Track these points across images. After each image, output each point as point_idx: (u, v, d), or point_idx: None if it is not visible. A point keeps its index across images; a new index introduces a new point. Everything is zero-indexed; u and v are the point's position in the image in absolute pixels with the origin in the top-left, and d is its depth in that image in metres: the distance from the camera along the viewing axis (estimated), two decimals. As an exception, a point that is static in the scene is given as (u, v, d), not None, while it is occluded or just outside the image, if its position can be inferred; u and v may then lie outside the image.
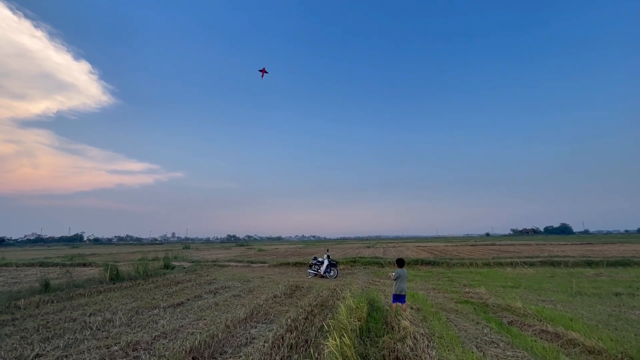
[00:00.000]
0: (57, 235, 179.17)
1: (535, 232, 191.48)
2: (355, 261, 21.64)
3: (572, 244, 46.17)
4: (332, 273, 16.11)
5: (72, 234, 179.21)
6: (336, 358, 4.45)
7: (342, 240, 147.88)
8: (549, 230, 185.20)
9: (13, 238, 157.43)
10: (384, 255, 28.04)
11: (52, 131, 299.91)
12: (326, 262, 16.35)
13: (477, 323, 7.16)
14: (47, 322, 7.87)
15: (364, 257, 23.31)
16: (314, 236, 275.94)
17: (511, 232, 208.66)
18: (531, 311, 7.52)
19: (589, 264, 17.84)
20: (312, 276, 16.34)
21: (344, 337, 4.92)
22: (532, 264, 18.20)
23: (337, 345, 4.70)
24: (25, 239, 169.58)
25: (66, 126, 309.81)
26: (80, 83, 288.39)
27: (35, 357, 5.52)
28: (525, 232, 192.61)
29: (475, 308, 8.57)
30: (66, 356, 5.53)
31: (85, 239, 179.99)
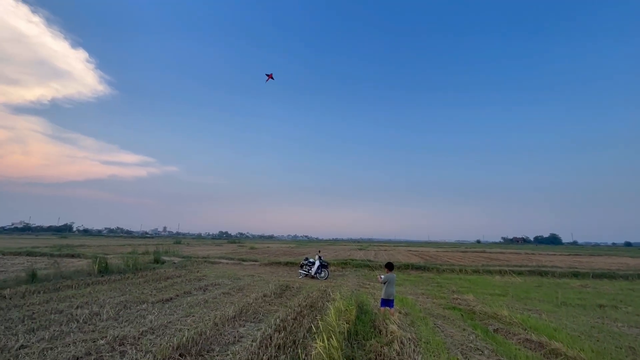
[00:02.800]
0: (46, 224, 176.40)
1: (525, 241, 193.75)
2: (346, 263, 21.73)
3: (560, 255, 46.80)
4: (322, 274, 16.15)
5: (61, 223, 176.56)
6: (322, 359, 4.49)
7: (335, 242, 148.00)
8: (539, 240, 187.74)
9: (0, 226, 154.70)
10: (375, 259, 28.20)
11: (45, 119, 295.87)
12: (317, 263, 16.38)
13: (464, 330, 7.26)
14: (33, 313, 7.78)
15: (355, 260, 23.40)
16: (306, 236, 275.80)
17: (502, 240, 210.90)
18: (517, 320, 7.64)
19: (576, 275, 18.15)
20: (302, 276, 16.36)
21: (332, 339, 4.96)
22: (520, 273, 18.45)
23: (324, 347, 4.74)
24: (13, 227, 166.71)
25: (60, 114, 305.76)
26: (77, 71, 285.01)
27: (19, 348, 5.47)
28: (515, 241, 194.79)
29: (462, 315, 8.68)
30: (51, 348, 5.48)
31: (74, 229, 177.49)
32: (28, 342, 5.78)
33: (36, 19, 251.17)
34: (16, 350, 5.40)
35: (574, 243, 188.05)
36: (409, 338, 6.10)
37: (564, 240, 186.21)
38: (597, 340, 6.55)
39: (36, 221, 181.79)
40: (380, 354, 5.27)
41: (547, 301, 10.92)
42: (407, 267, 20.88)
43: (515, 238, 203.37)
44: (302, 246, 62.42)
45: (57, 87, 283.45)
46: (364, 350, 5.55)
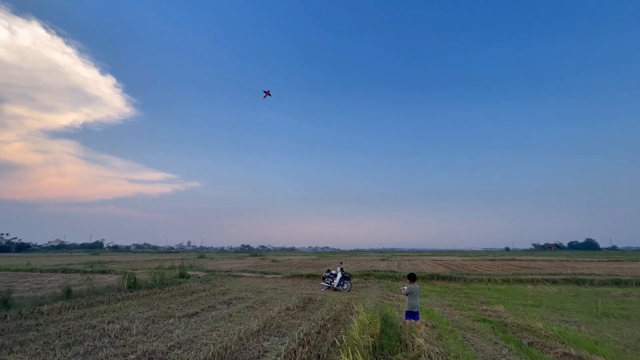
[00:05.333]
0: (79, 242, 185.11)
1: (558, 247, 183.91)
2: (369, 274, 21.37)
3: (598, 261, 43.97)
4: (345, 286, 15.95)
5: (92, 241, 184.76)
6: (348, 375, 4.41)
7: (356, 252, 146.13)
8: (573, 246, 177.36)
9: (38, 244, 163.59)
10: (398, 269, 27.57)
11: (78, 142, 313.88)
12: (339, 275, 16.23)
13: (495, 343, 6.92)
14: (68, 328, 8.13)
15: (378, 271, 22.96)
16: (327, 247, 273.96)
17: (532, 247, 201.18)
18: (553, 332, 7.22)
19: (617, 282, 16.96)
20: (325, 289, 16.22)
21: (357, 353, 4.88)
22: (554, 282, 17.47)
23: (349, 362, 4.66)
24: (49, 245, 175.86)
25: (91, 137, 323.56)
26: (106, 96, 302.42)
27: (56, 363, 5.71)
28: (547, 248, 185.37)
29: (493, 327, 8.29)
30: (86, 363, 5.69)
31: (105, 246, 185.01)
32: (64, 356, 6.04)
33: (69, 49, 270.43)
34: (54, 364, 5.65)
35: (613, 248, 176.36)
36: (437, 352, 5.88)
37: (601, 246, 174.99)
38: (645, 355, 6.07)
39: (70, 239, 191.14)
40: (408, 369, 5.11)
41: (585, 312, 10.25)
42: (432, 277, 20.26)
43: (547, 244, 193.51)
44: (323, 258, 62.05)
45: (88, 111, 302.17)
46: (390, 365, 5.41)
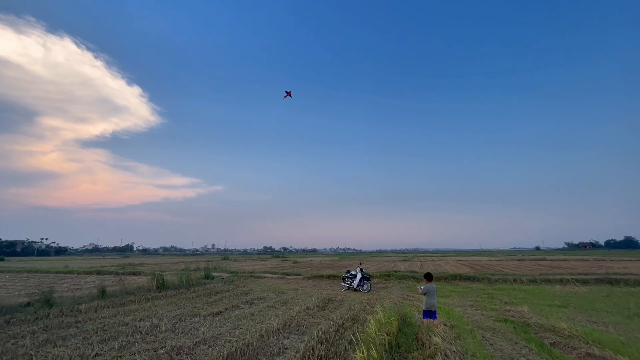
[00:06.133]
0: (111, 245, 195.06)
1: (594, 246, 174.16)
2: (389, 275, 21.26)
3: (637, 260, 41.41)
4: (365, 287, 16.01)
5: (123, 244, 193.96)
6: (363, 370, 4.57)
7: (378, 253, 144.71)
8: (611, 245, 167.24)
9: (74, 248, 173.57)
10: (420, 270, 27.20)
11: (108, 150, 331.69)
12: (359, 276, 16.30)
13: (516, 343, 6.84)
14: (104, 325, 8.74)
15: (399, 271, 22.78)
16: (349, 248, 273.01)
17: (565, 246, 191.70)
18: (577, 332, 7.03)
19: (654, 282, 16.02)
20: (345, 289, 16.34)
21: (372, 349, 5.02)
22: (585, 282, 16.71)
23: (364, 358, 4.82)
24: (84, 248, 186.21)
25: (119, 145, 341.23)
26: (132, 105, 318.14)
27: (94, 356, 6.22)
28: (582, 246, 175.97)
29: (515, 327, 8.15)
30: (120, 356, 6.16)
31: (135, 249, 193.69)
32: (101, 350, 6.55)
33: (98, 62, 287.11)
34: (92, 357, 6.16)
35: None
36: (454, 351, 5.91)
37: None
38: (676, 356, 5.81)
39: (103, 243, 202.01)
40: (423, 367, 5.20)
41: (616, 312, 9.82)
42: (455, 277, 19.89)
43: (581, 243, 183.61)
44: (344, 259, 61.99)
45: (117, 121, 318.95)
46: (406, 362, 5.51)
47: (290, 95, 37.60)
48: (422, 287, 7.75)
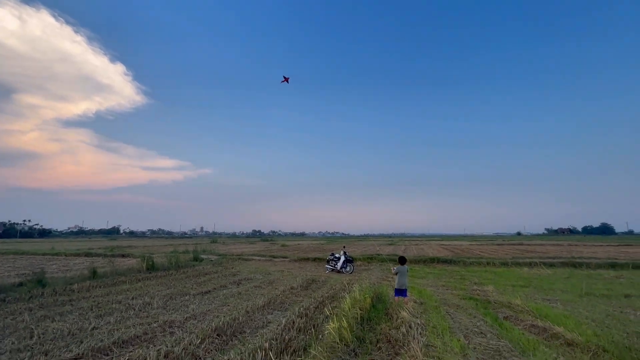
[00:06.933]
0: (97, 227, 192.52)
1: (571, 232, 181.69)
2: (372, 258, 22.30)
3: (607, 246, 43.88)
4: (348, 269, 16.89)
5: (109, 226, 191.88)
6: (334, 338, 5.27)
7: (365, 237, 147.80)
8: (588, 230, 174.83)
9: (58, 230, 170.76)
10: (404, 253, 28.41)
11: (92, 130, 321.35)
12: (343, 258, 17.16)
13: (474, 317, 7.70)
14: (98, 303, 9.27)
15: (381, 255, 23.86)
16: (337, 233, 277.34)
17: (545, 232, 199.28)
18: (529, 308, 7.94)
19: (613, 266, 17.41)
20: (329, 271, 17.20)
21: (343, 321, 5.73)
22: (551, 265, 18.02)
23: (335, 328, 5.52)
24: (69, 230, 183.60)
25: (104, 125, 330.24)
26: (116, 84, 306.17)
27: (92, 329, 6.77)
28: (560, 232, 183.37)
29: (477, 304, 9.06)
30: (116, 329, 6.73)
31: (121, 231, 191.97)
32: (98, 324, 7.11)
33: (79, 38, 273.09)
34: (90, 330, 6.71)
35: (630, 233, 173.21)
36: (418, 323, 6.69)
37: (617, 230, 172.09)
38: (606, 327, 6.74)
39: (88, 225, 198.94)
40: (388, 335, 5.96)
41: (570, 292, 10.89)
42: (433, 260, 21.05)
43: (560, 229, 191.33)
44: (331, 243, 63.36)
45: (100, 100, 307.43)
46: (374, 332, 6.27)
47: (287, 81, 37.50)
48: (394, 268, 8.50)
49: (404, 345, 5.36)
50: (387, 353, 5.30)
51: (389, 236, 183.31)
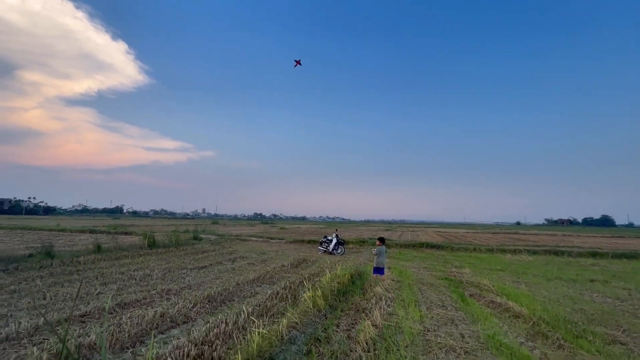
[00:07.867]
0: (100, 206, 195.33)
1: (571, 223, 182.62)
2: (363, 241, 23.17)
3: (601, 237, 44.56)
4: (339, 250, 17.75)
5: (113, 206, 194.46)
6: (308, 304, 6.04)
7: (366, 223, 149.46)
8: (588, 222, 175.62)
9: (63, 208, 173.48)
10: (399, 238, 29.29)
11: (94, 109, 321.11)
12: (334, 241, 18.00)
13: (443, 294, 8.48)
14: (103, 273, 10.13)
15: (372, 238, 24.72)
16: (338, 218, 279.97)
17: (545, 222, 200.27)
18: (494, 288, 8.69)
19: (593, 255, 18.14)
20: (321, 252, 18.07)
21: (318, 290, 6.48)
22: (535, 252, 18.79)
23: (310, 297, 6.28)
24: (73, 209, 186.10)
25: (106, 104, 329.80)
26: (118, 63, 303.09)
27: (98, 294, 7.61)
28: (560, 223, 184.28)
29: (450, 283, 9.83)
30: (120, 294, 7.56)
31: (125, 211, 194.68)
32: (103, 290, 7.94)
33: (80, 14, 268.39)
34: (96, 295, 7.54)
35: (630, 225, 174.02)
36: (389, 297, 7.48)
37: (618, 222, 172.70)
38: (559, 305, 7.49)
39: (92, 204, 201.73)
40: (358, 305, 6.74)
41: (541, 276, 11.65)
42: (423, 245, 21.89)
43: (560, 220, 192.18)
44: (331, 227, 64.59)
45: (102, 79, 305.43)
46: (347, 303, 7.05)
47: (300, 64, 37.25)
48: (375, 249, 9.24)
49: (369, 313, 6.12)
50: (352, 318, 6.07)
51: (389, 222, 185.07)
